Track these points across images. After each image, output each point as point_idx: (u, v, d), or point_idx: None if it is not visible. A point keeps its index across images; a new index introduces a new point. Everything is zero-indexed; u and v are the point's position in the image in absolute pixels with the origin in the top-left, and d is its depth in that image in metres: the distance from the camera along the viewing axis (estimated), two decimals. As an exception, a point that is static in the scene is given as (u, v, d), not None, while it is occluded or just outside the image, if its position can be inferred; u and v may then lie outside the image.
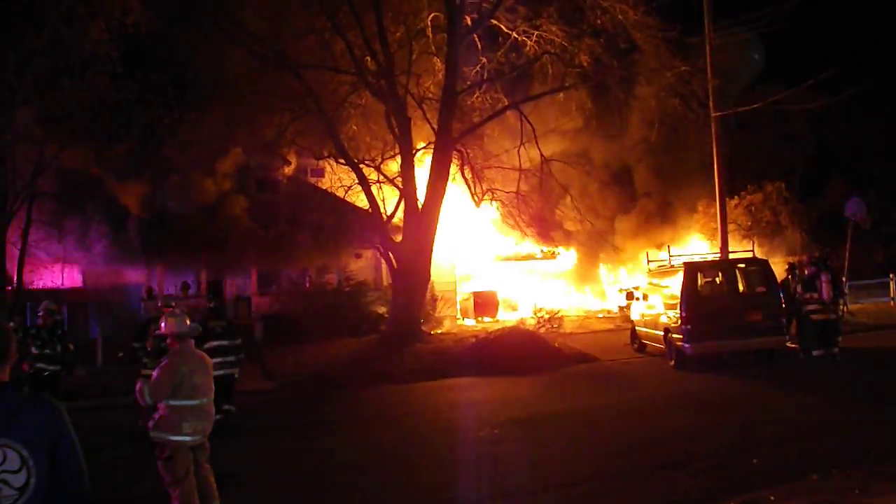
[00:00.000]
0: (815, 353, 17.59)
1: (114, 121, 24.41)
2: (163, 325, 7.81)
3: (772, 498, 7.83)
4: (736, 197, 33.45)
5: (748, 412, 12.89)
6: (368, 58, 24.14)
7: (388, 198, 26.17)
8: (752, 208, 34.84)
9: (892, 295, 29.67)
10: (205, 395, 7.48)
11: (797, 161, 42.26)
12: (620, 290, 27.53)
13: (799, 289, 18.32)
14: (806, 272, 18.64)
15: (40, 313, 14.21)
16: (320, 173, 30.94)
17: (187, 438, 7.33)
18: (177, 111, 24.61)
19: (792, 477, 8.61)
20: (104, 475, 10.78)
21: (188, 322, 7.68)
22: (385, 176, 25.97)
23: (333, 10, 23.44)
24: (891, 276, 30.27)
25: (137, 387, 7.69)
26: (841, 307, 19.39)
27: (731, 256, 22.23)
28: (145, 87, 23.71)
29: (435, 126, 24.83)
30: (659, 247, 32.94)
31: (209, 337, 13.13)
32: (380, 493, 9.46)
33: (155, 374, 7.52)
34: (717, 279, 18.55)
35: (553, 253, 35.17)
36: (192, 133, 24.90)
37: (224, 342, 13.70)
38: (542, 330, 23.77)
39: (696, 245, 33.52)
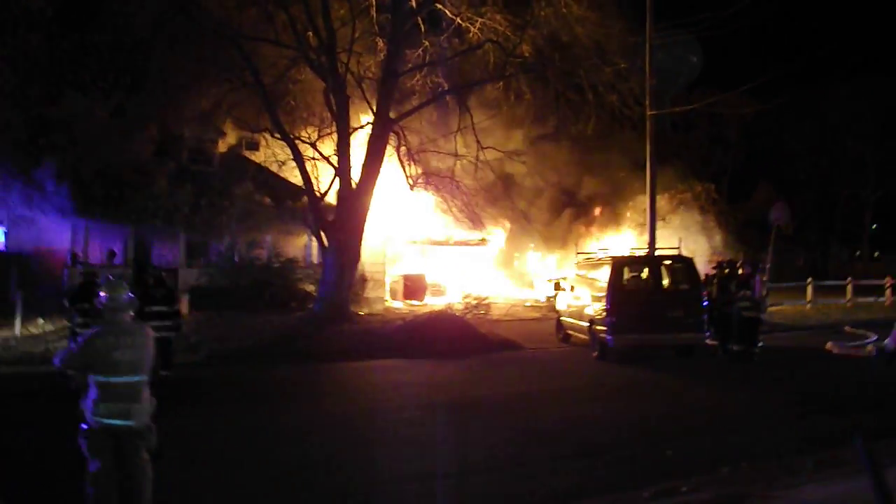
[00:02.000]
0: (735, 348, 18.04)
1: (47, 81, 23.80)
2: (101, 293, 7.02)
3: (683, 489, 8.05)
4: (666, 194, 34.05)
5: (665, 405, 13.21)
6: (310, 33, 23.91)
7: (323, 176, 25.99)
8: (682, 207, 35.52)
9: (808, 298, 30.54)
10: (129, 373, 6.58)
11: (727, 164, 43.22)
12: (549, 281, 27.86)
13: (732, 286, 18.73)
14: (742, 271, 19.10)
15: None
16: (255, 146, 30.62)
17: (104, 421, 6.47)
18: (112, 74, 24.10)
19: (703, 469, 8.85)
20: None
21: (124, 293, 6.89)
22: (320, 153, 25.78)
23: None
24: (809, 280, 31.16)
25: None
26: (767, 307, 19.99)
27: (658, 253, 22.62)
28: (81, 48, 23.15)
29: (373, 106, 24.75)
30: (588, 239, 33.44)
31: (150, 301, 14.61)
32: (288, 473, 9.42)
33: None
34: (643, 274, 18.89)
35: (483, 240, 35.37)
36: (126, 98, 24.41)
37: (163, 307, 15.09)
38: (469, 315, 23.97)
39: (626, 239, 34.05)
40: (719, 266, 20.32)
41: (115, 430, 6.51)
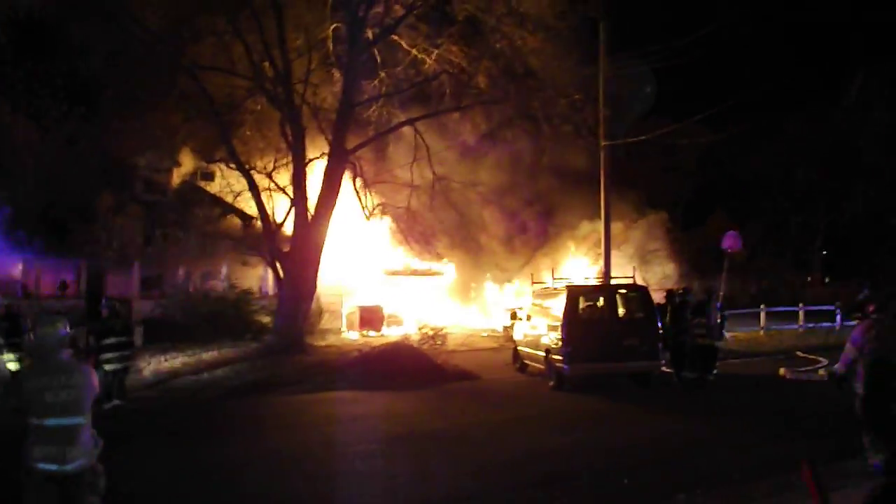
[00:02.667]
0: (689, 375, 18.17)
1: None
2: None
3: (638, 518, 8.09)
4: (620, 223, 34.37)
5: (621, 433, 13.25)
6: (266, 64, 23.91)
7: (279, 206, 25.91)
8: (636, 234, 35.90)
9: (762, 325, 30.91)
10: (63, 415, 6.24)
11: (682, 192, 43.83)
12: (506, 310, 27.93)
13: (687, 314, 18.87)
14: (696, 299, 19.28)
15: None
16: (210, 177, 30.45)
17: (38, 466, 6.16)
18: (65, 104, 23.88)
19: (660, 497, 8.90)
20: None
21: (58, 330, 6.55)
22: (276, 184, 25.73)
23: (234, 12, 23.17)
24: (762, 307, 31.54)
25: None
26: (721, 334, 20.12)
27: (614, 282, 22.80)
28: (34, 76, 22.94)
29: (329, 137, 24.77)
30: (544, 267, 33.60)
31: (106, 333, 15.33)
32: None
33: None
34: (598, 303, 19.00)
35: (439, 270, 35.39)
36: (79, 127, 24.18)
37: (121, 338, 15.61)
38: (426, 346, 23.91)
39: (580, 267, 34.28)
40: (670, 294, 20.50)
41: (51, 475, 6.19)
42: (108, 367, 15.14)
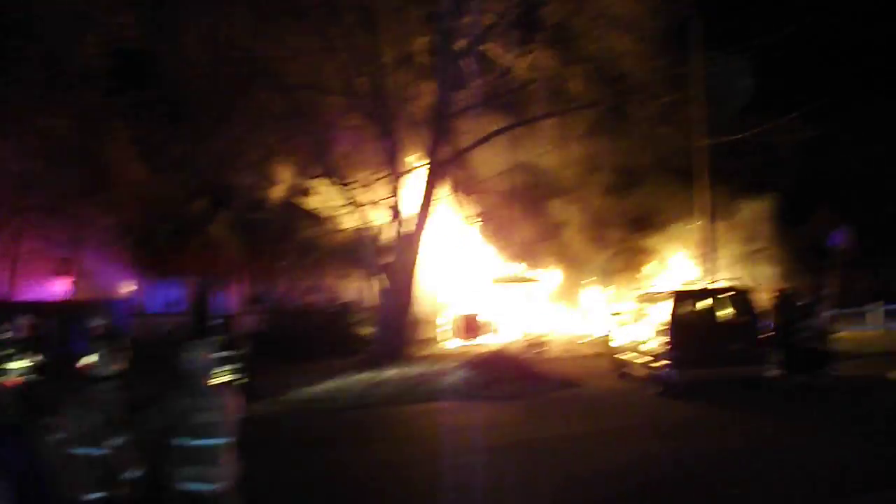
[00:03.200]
0: (799, 379, 17.64)
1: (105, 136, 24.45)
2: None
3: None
4: (723, 223, 33.59)
5: (729, 441, 12.93)
6: (360, 79, 24.22)
7: (377, 219, 26.20)
8: (738, 235, 35.02)
9: (877, 323, 29.80)
10: (208, 436, 6.50)
11: (784, 187, 42.52)
12: (611, 315, 27.62)
13: (796, 316, 18.34)
14: (802, 301, 18.73)
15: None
16: (310, 193, 30.98)
17: (184, 486, 6.50)
18: (167, 129, 24.66)
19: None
20: None
21: (207, 353, 6.92)
22: (374, 198, 26.03)
23: (326, 30, 23.54)
24: (879, 303, 30.42)
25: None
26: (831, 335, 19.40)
27: (716, 284, 22.29)
28: (136, 103, 23.76)
29: (425, 149, 24.93)
30: (645, 272, 33.10)
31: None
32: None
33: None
34: (703, 307, 18.60)
35: (538, 276, 35.20)
36: (183, 151, 24.92)
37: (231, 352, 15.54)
38: (527, 354, 23.81)
39: (683, 270, 33.63)
40: (781, 295, 19.91)
41: (196, 496, 6.45)
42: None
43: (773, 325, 18.32)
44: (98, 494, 6.53)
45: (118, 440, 6.69)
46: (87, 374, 6.93)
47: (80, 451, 6.51)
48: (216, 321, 17.57)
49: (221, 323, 17.36)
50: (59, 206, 27.01)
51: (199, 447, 6.45)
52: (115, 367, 7.00)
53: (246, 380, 16.14)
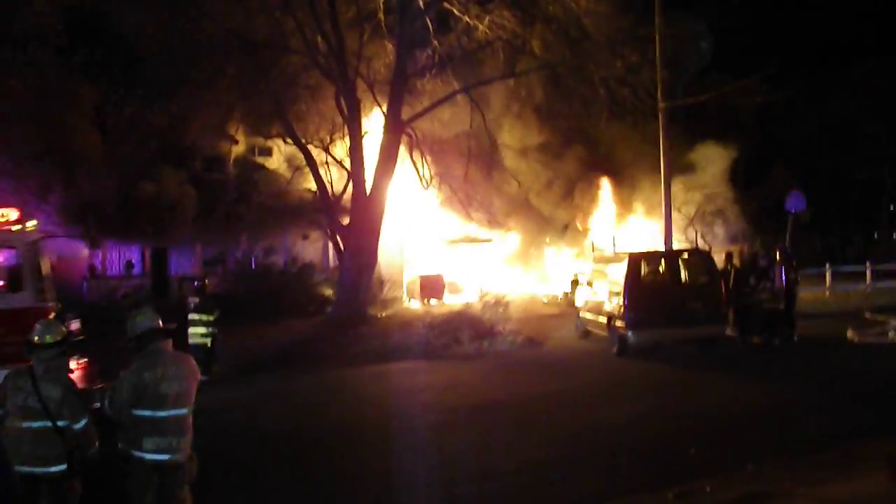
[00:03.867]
0: (755, 340, 17.99)
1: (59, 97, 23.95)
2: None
3: (707, 489, 8.04)
4: (680, 184, 33.89)
5: (686, 401, 13.14)
6: (319, 38, 23.94)
7: (337, 180, 26.06)
8: (695, 197, 35.39)
9: (828, 285, 30.33)
10: (176, 406, 6.40)
11: (741, 150, 42.92)
12: (568, 276, 27.84)
13: (752, 278, 18.61)
14: (761, 262, 19.00)
15: None
16: (268, 153, 30.73)
17: (148, 457, 6.32)
18: (122, 88, 24.23)
19: (728, 467, 8.84)
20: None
21: (157, 320, 6.66)
22: (333, 157, 25.88)
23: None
24: (827, 266, 30.93)
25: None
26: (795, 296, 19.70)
27: (675, 246, 22.56)
28: (91, 62, 23.29)
29: (384, 109, 24.78)
30: (604, 232, 33.37)
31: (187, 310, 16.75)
32: (318, 483, 9.48)
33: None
34: (660, 269, 18.82)
35: (498, 237, 35.30)
36: (138, 110, 24.53)
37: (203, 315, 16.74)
38: (488, 314, 23.91)
39: (642, 231, 33.93)
40: (728, 257, 20.17)
41: (160, 465, 6.36)
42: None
43: (725, 287, 18.62)
44: (58, 468, 6.43)
45: (80, 414, 6.55)
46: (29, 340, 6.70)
47: (36, 424, 6.37)
48: (196, 283, 17.63)
49: (199, 286, 17.65)
50: (10, 169, 26.47)
51: (164, 417, 6.34)
52: (57, 334, 6.73)
53: (215, 343, 16.34)
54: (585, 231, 36.06)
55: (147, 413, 6.30)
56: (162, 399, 6.32)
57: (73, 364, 11.88)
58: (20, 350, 9.19)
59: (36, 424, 6.35)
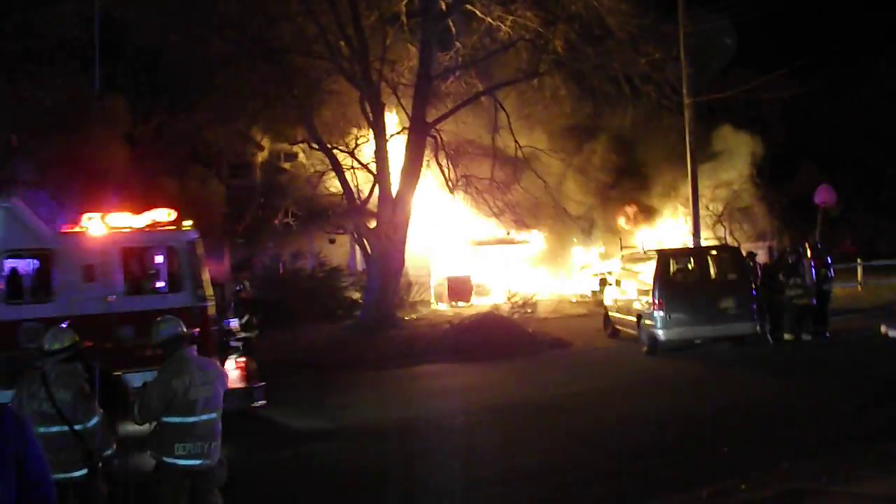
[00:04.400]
0: (787, 337, 17.87)
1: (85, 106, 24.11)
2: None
3: (742, 486, 7.98)
4: (708, 181, 33.65)
5: (718, 399, 13.07)
6: (342, 42, 24.00)
7: (363, 184, 26.12)
8: (723, 193, 35.13)
9: (859, 279, 30.04)
10: (205, 411, 6.39)
11: (768, 146, 42.57)
12: (595, 275, 27.72)
13: (782, 275, 18.49)
14: (789, 258, 18.86)
15: None
16: (294, 157, 30.82)
17: (181, 462, 6.31)
18: (149, 98, 24.41)
19: (762, 465, 8.77)
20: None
21: (177, 325, 6.70)
22: (359, 161, 25.94)
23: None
24: (858, 261, 30.64)
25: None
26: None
27: (706, 243, 22.43)
28: (117, 72, 23.51)
29: (409, 112, 24.81)
30: (633, 229, 33.21)
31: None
32: (352, 485, 9.51)
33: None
34: (690, 266, 18.73)
35: (526, 238, 35.22)
36: (165, 120, 24.71)
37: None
38: (516, 315, 23.92)
39: (670, 229, 33.74)
40: (750, 255, 20.05)
41: (191, 471, 6.36)
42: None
43: (756, 282, 18.52)
44: (80, 472, 6.39)
45: (90, 415, 6.55)
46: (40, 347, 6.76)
47: (53, 429, 6.32)
48: (236, 289, 17.70)
49: (238, 290, 17.67)
50: (39, 179, 26.70)
51: (194, 423, 6.35)
52: (65, 341, 6.74)
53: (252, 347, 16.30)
54: (613, 230, 35.90)
55: (177, 420, 6.32)
56: (191, 405, 6.33)
57: (231, 364, 12.39)
58: None
59: (53, 429, 6.31)
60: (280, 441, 11.79)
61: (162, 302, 11.48)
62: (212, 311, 12.52)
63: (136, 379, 10.35)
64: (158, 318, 6.81)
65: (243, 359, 12.54)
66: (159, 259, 12.38)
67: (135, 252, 12.05)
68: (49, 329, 7.02)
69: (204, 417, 6.39)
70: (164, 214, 12.30)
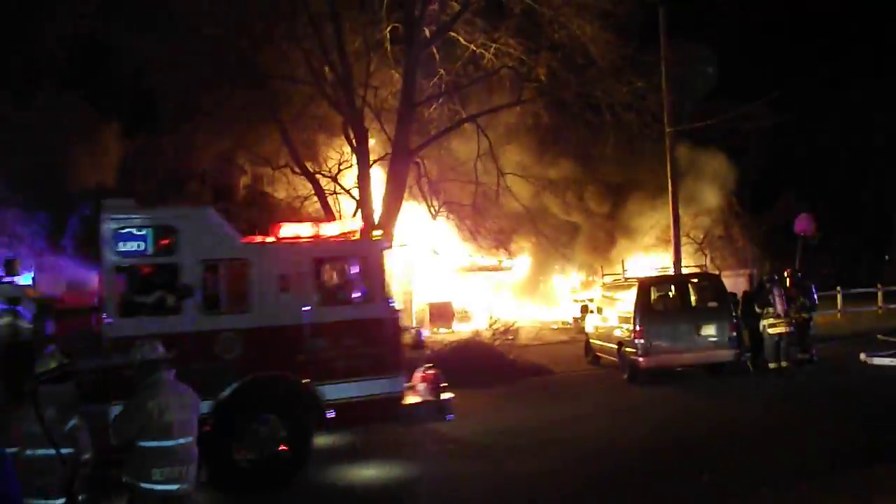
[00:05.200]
0: (770, 365, 17.96)
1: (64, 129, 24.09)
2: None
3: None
4: (689, 209, 33.84)
5: (698, 426, 13.10)
6: (326, 68, 24.04)
7: (345, 209, 26.08)
8: (704, 222, 35.36)
9: (839, 307, 30.22)
10: (182, 435, 6.46)
11: (748, 174, 42.92)
12: (575, 302, 27.74)
13: (757, 304, 18.60)
14: (768, 286, 18.97)
15: None
16: (276, 182, 30.76)
17: (158, 488, 6.33)
18: (131, 119, 24.42)
19: (741, 492, 8.78)
20: None
21: (158, 347, 6.72)
22: (342, 186, 25.92)
23: (291, 18, 23.34)
24: (837, 288, 30.84)
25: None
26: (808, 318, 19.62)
27: (686, 271, 22.52)
28: (97, 95, 23.48)
29: (392, 138, 24.84)
30: (613, 258, 33.30)
31: None
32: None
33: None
34: (670, 294, 18.82)
35: (508, 265, 35.27)
36: (147, 140, 24.71)
37: None
38: (498, 342, 23.87)
39: (650, 257, 33.88)
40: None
41: (169, 496, 6.34)
42: None
43: (738, 310, 18.63)
44: (58, 500, 6.23)
45: (76, 434, 6.39)
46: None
47: (39, 452, 6.19)
48: None
49: None
50: (11, 200, 26.53)
51: (171, 446, 6.37)
52: (50, 363, 6.52)
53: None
54: (595, 257, 36.02)
55: (153, 444, 6.32)
56: (167, 429, 6.34)
57: (418, 374, 12.50)
58: (377, 361, 10.85)
59: (39, 452, 6.17)
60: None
61: (356, 312, 11.39)
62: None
63: (329, 391, 10.68)
64: (137, 343, 6.76)
65: (432, 370, 12.37)
66: (351, 269, 12.04)
67: (327, 262, 11.80)
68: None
69: (181, 441, 6.41)
70: (353, 224, 12.42)
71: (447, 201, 26.63)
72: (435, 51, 24.97)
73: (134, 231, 10.34)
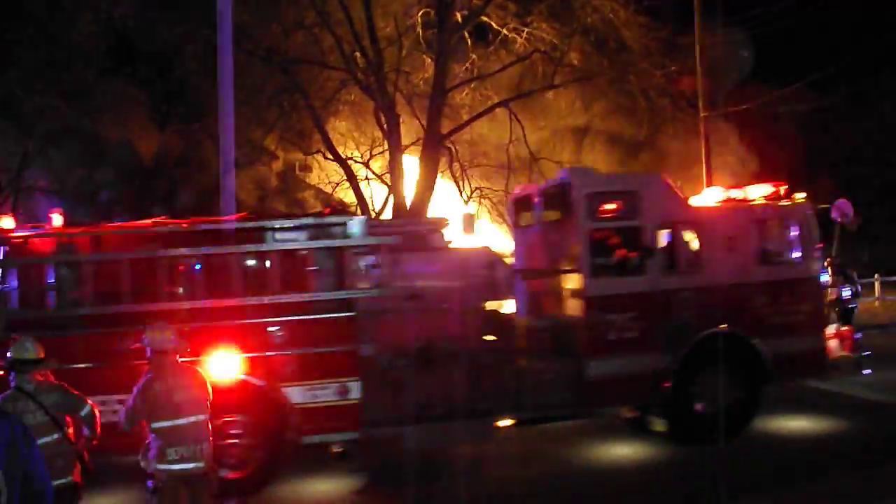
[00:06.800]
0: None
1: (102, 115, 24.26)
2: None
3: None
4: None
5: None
6: (357, 53, 24.00)
7: (377, 195, 26.08)
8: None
9: (877, 295, 29.72)
10: (193, 413, 6.49)
11: (785, 160, 42.26)
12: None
13: None
14: None
15: None
16: (309, 168, 30.80)
17: (173, 467, 6.37)
18: (164, 107, 24.52)
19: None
20: None
21: (172, 334, 6.73)
22: (374, 172, 25.91)
23: (322, 4, 23.29)
24: (876, 276, 30.32)
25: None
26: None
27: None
28: (133, 82, 23.58)
29: (424, 123, 24.75)
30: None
31: None
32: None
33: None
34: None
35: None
36: (181, 128, 24.82)
37: None
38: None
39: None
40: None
41: (186, 475, 6.39)
42: None
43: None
44: (70, 478, 6.22)
45: (83, 405, 6.43)
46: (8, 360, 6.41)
47: (48, 439, 6.09)
48: None
49: None
50: (55, 187, 26.90)
51: (183, 425, 6.41)
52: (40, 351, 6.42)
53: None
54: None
55: (166, 424, 6.38)
56: (176, 407, 6.40)
57: (830, 331, 13.72)
58: (806, 318, 11.83)
59: (48, 439, 6.07)
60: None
61: (789, 272, 12.16)
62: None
63: (768, 346, 11.46)
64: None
65: (846, 327, 13.50)
66: (784, 231, 12.57)
67: (765, 224, 12.39)
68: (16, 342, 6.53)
69: (192, 419, 6.46)
70: (778, 188, 12.73)
71: (479, 186, 26.52)
72: (467, 35, 24.84)
73: (606, 197, 11.62)
